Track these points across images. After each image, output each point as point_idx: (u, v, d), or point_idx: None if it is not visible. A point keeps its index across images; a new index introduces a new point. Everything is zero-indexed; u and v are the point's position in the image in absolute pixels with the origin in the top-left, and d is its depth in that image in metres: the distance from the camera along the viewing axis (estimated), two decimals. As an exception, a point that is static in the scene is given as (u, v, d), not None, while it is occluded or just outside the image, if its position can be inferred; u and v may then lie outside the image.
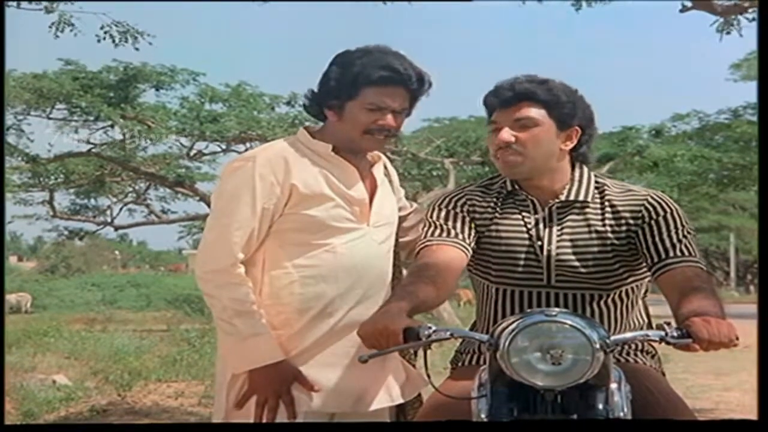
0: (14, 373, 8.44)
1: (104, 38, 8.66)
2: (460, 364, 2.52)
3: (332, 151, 2.55)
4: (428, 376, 2.17)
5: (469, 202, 2.50)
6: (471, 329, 2.51)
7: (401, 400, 2.59)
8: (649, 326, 2.45)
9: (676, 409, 2.25)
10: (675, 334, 2.02)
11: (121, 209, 18.58)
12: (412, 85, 2.52)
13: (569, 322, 1.95)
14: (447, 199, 2.52)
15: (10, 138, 13.64)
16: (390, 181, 2.71)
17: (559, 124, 2.41)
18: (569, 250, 2.40)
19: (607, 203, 2.45)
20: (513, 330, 1.95)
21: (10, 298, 23.41)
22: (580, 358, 1.93)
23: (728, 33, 7.66)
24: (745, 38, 7.73)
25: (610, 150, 15.54)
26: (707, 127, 16.54)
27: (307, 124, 2.84)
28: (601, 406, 2.00)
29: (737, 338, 2.04)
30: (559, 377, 1.94)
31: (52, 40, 8.31)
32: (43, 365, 9.78)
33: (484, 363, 2.14)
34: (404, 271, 2.68)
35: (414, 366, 2.67)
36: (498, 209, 2.48)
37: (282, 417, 2.44)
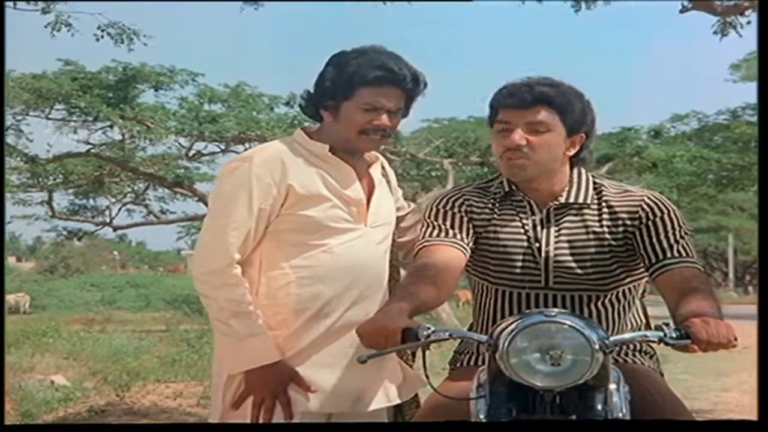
0: (13, 374, 8.43)
1: (102, 37, 8.66)
2: (458, 364, 2.52)
3: (329, 151, 2.54)
4: (427, 376, 2.16)
5: (466, 203, 2.49)
6: (468, 330, 2.50)
7: (398, 401, 2.59)
8: (647, 327, 2.45)
9: (675, 410, 2.26)
10: (674, 334, 2.02)
11: (120, 209, 18.62)
12: (407, 85, 2.51)
13: (568, 322, 1.95)
14: (444, 200, 2.51)
15: (9, 138, 13.64)
16: (387, 182, 2.71)
17: (568, 130, 2.39)
18: (567, 252, 2.40)
19: (604, 204, 2.44)
20: (512, 330, 1.95)
21: (9, 298, 23.36)
22: (579, 358, 1.93)
23: (726, 35, 7.66)
24: (744, 39, 7.75)
25: (609, 151, 15.53)
26: (706, 128, 16.57)
27: (305, 124, 2.83)
28: (600, 407, 2.00)
29: (736, 339, 2.05)
30: (558, 378, 1.94)
31: (52, 40, 8.33)
32: (41, 366, 9.75)
33: (483, 363, 2.14)
34: (402, 272, 2.67)
35: (412, 366, 2.67)
36: (496, 210, 2.47)
37: (279, 417, 2.44)
